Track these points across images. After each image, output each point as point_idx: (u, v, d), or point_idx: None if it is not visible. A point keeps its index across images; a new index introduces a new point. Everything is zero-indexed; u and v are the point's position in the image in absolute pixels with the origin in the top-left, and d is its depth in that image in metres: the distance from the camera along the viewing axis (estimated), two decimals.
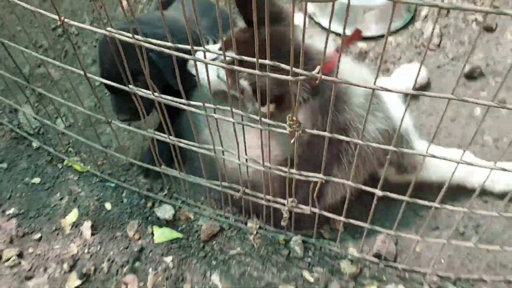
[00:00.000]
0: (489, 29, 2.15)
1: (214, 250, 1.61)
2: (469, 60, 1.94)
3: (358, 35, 1.54)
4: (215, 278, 1.54)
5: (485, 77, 2.01)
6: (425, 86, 2.00)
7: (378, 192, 1.22)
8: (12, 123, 2.01)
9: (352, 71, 1.46)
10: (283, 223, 1.41)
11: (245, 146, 1.26)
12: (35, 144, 1.93)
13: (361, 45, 2.14)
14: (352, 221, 1.37)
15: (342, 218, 1.37)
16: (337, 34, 2.16)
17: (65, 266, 1.58)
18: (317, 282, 1.52)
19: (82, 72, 1.30)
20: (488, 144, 1.84)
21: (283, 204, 1.40)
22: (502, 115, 1.90)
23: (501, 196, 1.70)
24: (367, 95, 1.29)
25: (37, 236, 1.67)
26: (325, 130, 1.10)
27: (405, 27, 2.20)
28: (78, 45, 2.25)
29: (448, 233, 1.65)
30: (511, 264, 1.57)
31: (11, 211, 1.73)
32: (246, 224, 1.66)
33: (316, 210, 1.36)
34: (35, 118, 1.89)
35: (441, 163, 1.13)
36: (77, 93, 1.51)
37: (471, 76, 2.01)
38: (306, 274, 1.53)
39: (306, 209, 1.37)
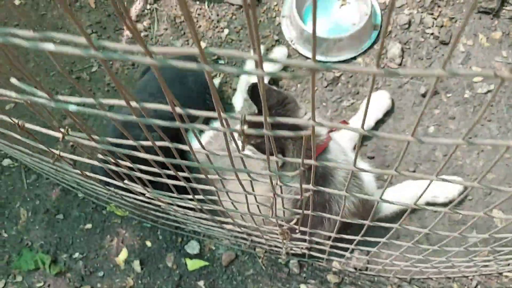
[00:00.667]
0: (444, 43, 2.48)
1: (233, 272, 2.19)
2: (426, 79, 2.34)
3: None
4: None
5: (439, 94, 2.40)
6: (390, 110, 2.39)
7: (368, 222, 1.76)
8: (57, 178, 2.47)
9: (338, 149, 1.90)
10: (281, 261, 1.96)
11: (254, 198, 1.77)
12: (80, 194, 2.41)
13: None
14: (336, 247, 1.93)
15: (326, 247, 1.92)
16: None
17: None
18: None
19: None
20: (439, 159, 2.31)
21: (280, 248, 1.94)
22: (451, 131, 2.34)
23: (446, 204, 2.23)
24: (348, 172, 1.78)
25: (100, 273, 2.25)
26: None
27: (371, 46, 2.52)
28: (93, 92, 2.61)
29: (406, 241, 2.21)
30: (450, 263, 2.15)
31: (76, 255, 2.29)
32: (254, 249, 2.21)
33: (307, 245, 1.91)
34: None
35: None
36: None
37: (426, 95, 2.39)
38: (303, 287, 2.13)
39: (302, 245, 1.92)
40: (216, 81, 2.52)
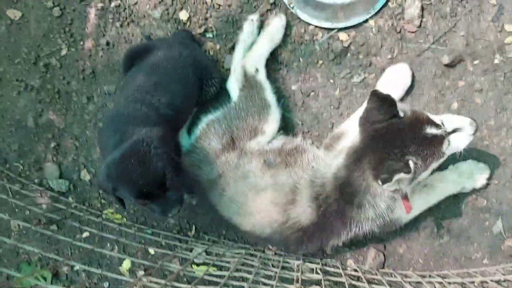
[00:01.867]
0: None
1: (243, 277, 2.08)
2: (449, 43, 2.02)
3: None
4: None
5: (464, 62, 2.06)
6: (410, 86, 2.08)
7: None
8: (43, 183, 2.27)
9: None
10: None
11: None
12: (71, 199, 2.23)
13: (342, 37, 2.13)
14: None
15: None
16: (316, 27, 2.13)
17: None
18: None
19: None
20: None
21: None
22: (477, 107, 2.05)
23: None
24: None
25: (106, 284, 2.16)
26: None
27: (386, 3, 2.12)
28: (67, 81, 2.28)
29: (425, 232, 2.08)
30: (473, 256, 2.02)
31: (78, 267, 2.18)
32: (264, 252, 2.08)
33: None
34: (61, 177, 2.17)
35: None
36: None
37: (451, 65, 2.06)
38: None
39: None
40: None
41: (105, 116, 2.18)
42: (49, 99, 2.28)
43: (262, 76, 2.07)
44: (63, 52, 2.28)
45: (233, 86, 2.11)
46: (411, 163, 1.56)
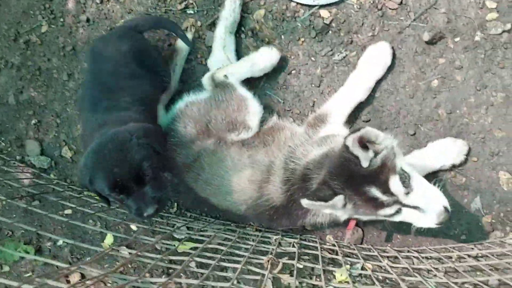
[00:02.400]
0: None
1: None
2: (430, 20, 2.02)
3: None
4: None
5: (445, 38, 2.06)
6: (390, 64, 2.07)
7: None
8: (24, 160, 2.27)
9: None
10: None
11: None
12: (53, 176, 2.24)
13: (323, 14, 2.11)
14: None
15: None
16: (298, 3, 2.11)
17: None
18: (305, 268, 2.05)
19: None
20: (442, 118, 2.06)
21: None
22: (457, 84, 2.05)
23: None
24: None
25: (88, 259, 2.17)
26: None
27: None
28: (48, 58, 2.27)
29: None
30: (451, 233, 2.04)
31: (61, 242, 2.19)
32: (245, 227, 2.10)
33: None
34: (42, 154, 2.17)
35: None
36: None
37: (432, 42, 2.05)
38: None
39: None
40: (189, 36, 2.15)
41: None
42: (29, 76, 2.28)
43: (233, 79, 2.01)
44: (44, 28, 2.27)
45: (215, 60, 2.10)
46: (338, 201, 1.56)
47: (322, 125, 1.99)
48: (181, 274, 1.42)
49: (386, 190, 1.54)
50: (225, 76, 1.99)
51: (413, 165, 1.96)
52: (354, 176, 1.55)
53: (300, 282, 1.55)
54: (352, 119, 2.08)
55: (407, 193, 1.57)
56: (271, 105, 2.17)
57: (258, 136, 1.99)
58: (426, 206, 1.59)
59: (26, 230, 2.22)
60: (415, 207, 1.59)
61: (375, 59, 2.03)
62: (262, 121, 2.01)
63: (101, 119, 1.65)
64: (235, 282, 1.25)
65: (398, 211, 1.60)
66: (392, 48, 2.05)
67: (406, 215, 1.62)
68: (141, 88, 1.80)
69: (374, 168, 1.53)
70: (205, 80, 2.03)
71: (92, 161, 1.47)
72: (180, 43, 2.15)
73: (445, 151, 1.99)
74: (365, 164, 1.52)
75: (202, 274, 1.43)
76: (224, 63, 2.08)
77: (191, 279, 1.54)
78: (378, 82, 2.07)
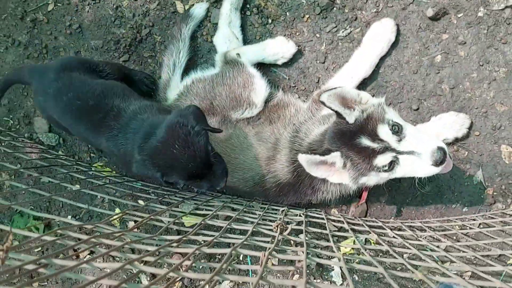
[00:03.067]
0: None
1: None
2: None
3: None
4: None
5: (448, 14, 2.08)
6: (394, 41, 2.10)
7: None
8: (32, 137, 2.30)
9: None
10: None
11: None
12: (61, 152, 2.26)
13: None
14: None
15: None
16: None
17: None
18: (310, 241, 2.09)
19: None
20: (445, 93, 2.09)
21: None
22: (460, 60, 2.08)
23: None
24: None
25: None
26: None
27: None
28: (54, 36, 2.29)
29: (407, 182, 2.13)
30: (454, 205, 2.08)
31: (69, 218, 2.22)
32: (251, 201, 2.13)
33: None
34: (50, 131, 2.19)
35: None
36: None
37: (435, 18, 2.08)
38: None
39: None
40: (204, 6, 2.18)
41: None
42: (36, 54, 2.30)
43: (244, 58, 2.06)
44: (50, 7, 2.28)
45: (221, 38, 2.13)
46: (335, 157, 1.65)
47: None
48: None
49: (375, 137, 1.60)
50: (238, 54, 2.04)
51: None
52: (345, 134, 1.64)
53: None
54: None
55: (399, 140, 1.61)
56: (276, 82, 2.20)
57: (263, 113, 2.02)
58: (419, 148, 1.60)
59: (34, 207, 2.25)
60: (410, 152, 1.60)
61: (379, 36, 2.06)
62: (269, 99, 2.04)
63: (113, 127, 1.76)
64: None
65: (395, 161, 1.62)
66: (397, 24, 2.08)
67: (404, 165, 1.63)
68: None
69: (361, 122, 1.63)
70: (218, 57, 2.09)
71: (163, 161, 1.56)
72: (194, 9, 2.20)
73: (448, 125, 2.02)
74: (350, 120, 1.63)
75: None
76: (230, 39, 2.10)
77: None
78: (382, 58, 2.10)
